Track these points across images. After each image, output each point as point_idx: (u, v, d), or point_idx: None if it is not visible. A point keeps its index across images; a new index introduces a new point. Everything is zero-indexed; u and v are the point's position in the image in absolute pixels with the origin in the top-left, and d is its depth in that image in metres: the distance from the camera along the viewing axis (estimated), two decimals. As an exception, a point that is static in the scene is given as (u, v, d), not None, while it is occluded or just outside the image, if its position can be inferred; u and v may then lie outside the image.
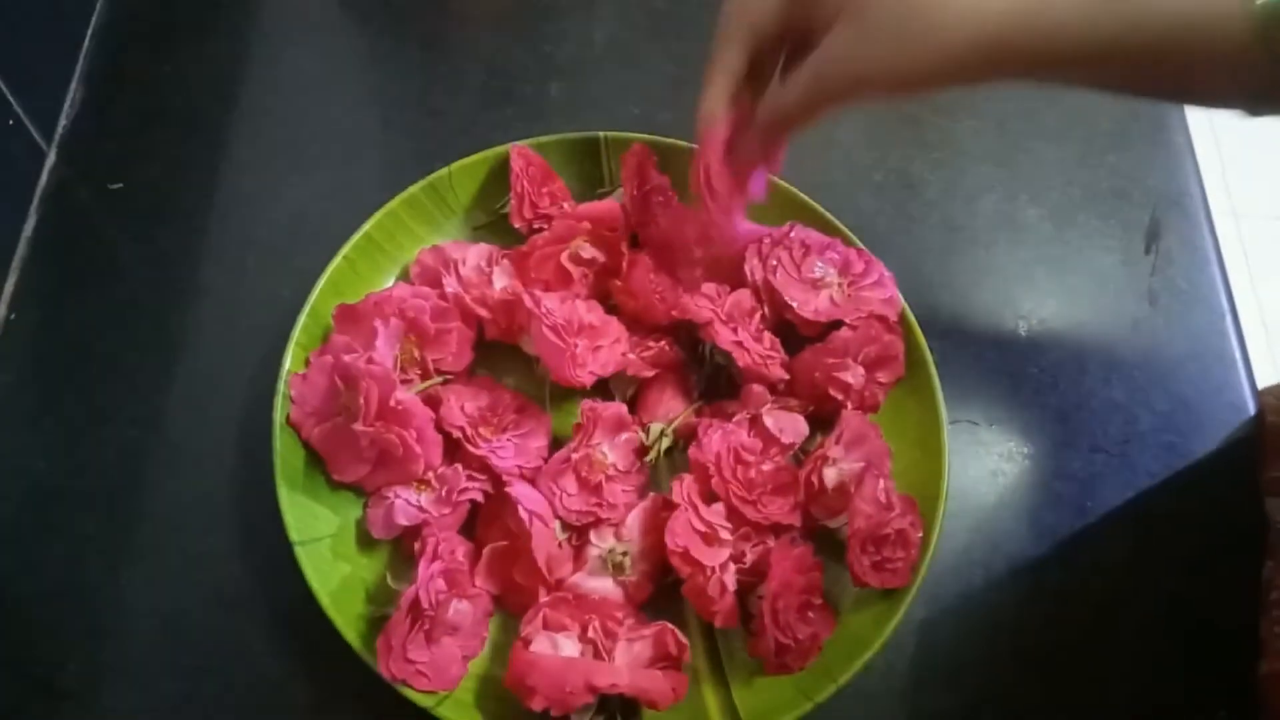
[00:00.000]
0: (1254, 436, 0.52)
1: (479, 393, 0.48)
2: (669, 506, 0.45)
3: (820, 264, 0.50)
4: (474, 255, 0.51)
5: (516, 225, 0.51)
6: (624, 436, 0.47)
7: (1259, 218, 1.61)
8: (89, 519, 0.48)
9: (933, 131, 0.61)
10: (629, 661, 0.42)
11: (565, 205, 0.52)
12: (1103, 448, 0.52)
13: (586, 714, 0.42)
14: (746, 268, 0.50)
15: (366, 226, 0.50)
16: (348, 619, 0.42)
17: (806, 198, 0.52)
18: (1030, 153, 0.60)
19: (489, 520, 0.46)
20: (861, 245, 0.51)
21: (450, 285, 0.49)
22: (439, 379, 0.48)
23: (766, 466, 0.46)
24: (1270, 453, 0.51)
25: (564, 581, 0.44)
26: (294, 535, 0.43)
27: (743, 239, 0.50)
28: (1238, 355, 0.55)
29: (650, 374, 0.49)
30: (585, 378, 0.47)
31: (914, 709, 0.46)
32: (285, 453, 0.45)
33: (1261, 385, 0.54)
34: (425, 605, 0.41)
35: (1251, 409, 0.53)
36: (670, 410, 0.49)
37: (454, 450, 0.46)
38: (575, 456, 0.45)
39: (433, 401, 0.47)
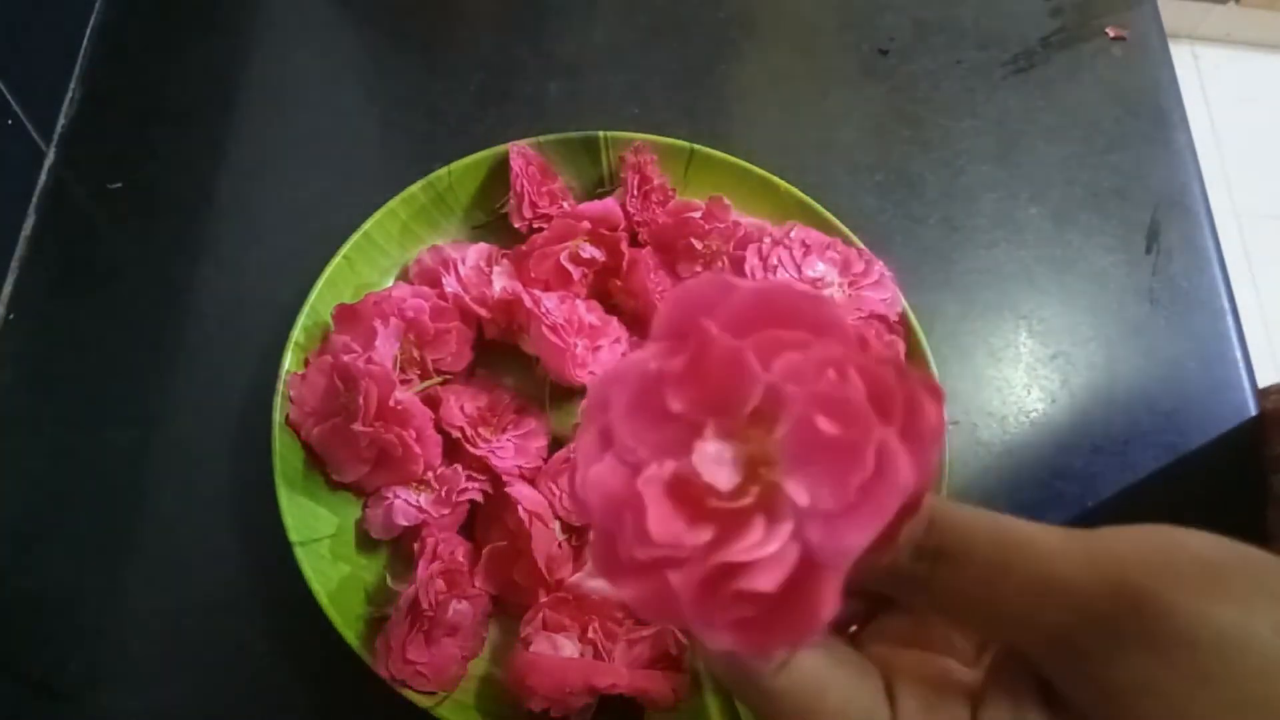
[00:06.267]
0: (1255, 422, 0.52)
1: (479, 393, 0.48)
2: (669, 507, 0.45)
3: (820, 264, 0.50)
4: (473, 255, 0.51)
5: (516, 225, 0.51)
6: (624, 436, 0.47)
7: (1260, 218, 1.61)
8: (89, 519, 0.48)
9: (933, 131, 0.61)
10: (629, 662, 0.42)
11: (565, 205, 0.52)
12: (1104, 447, 0.52)
13: (586, 715, 0.42)
14: (746, 267, 0.50)
15: (366, 226, 0.50)
16: (347, 619, 0.42)
17: (807, 198, 0.52)
18: (1030, 152, 0.60)
19: (489, 520, 0.46)
20: (861, 245, 0.51)
21: (450, 285, 0.49)
22: (438, 379, 0.48)
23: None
24: (1273, 429, 0.51)
25: (564, 582, 0.44)
26: (293, 536, 0.43)
27: None
28: (1239, 355, 0.55)
29: (650, 374, 0.49)
30: (585, 378, 0.47)
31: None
32: (284, 453, 0.45)
33: (1263, 385, 0.54)
34: (424, 606, 0.41)
35: (1253, 409, 0.53)
36: (670, 410, 0.49)
37: (454, 450, 0.46)
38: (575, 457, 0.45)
39: (432, 401, 0.47)
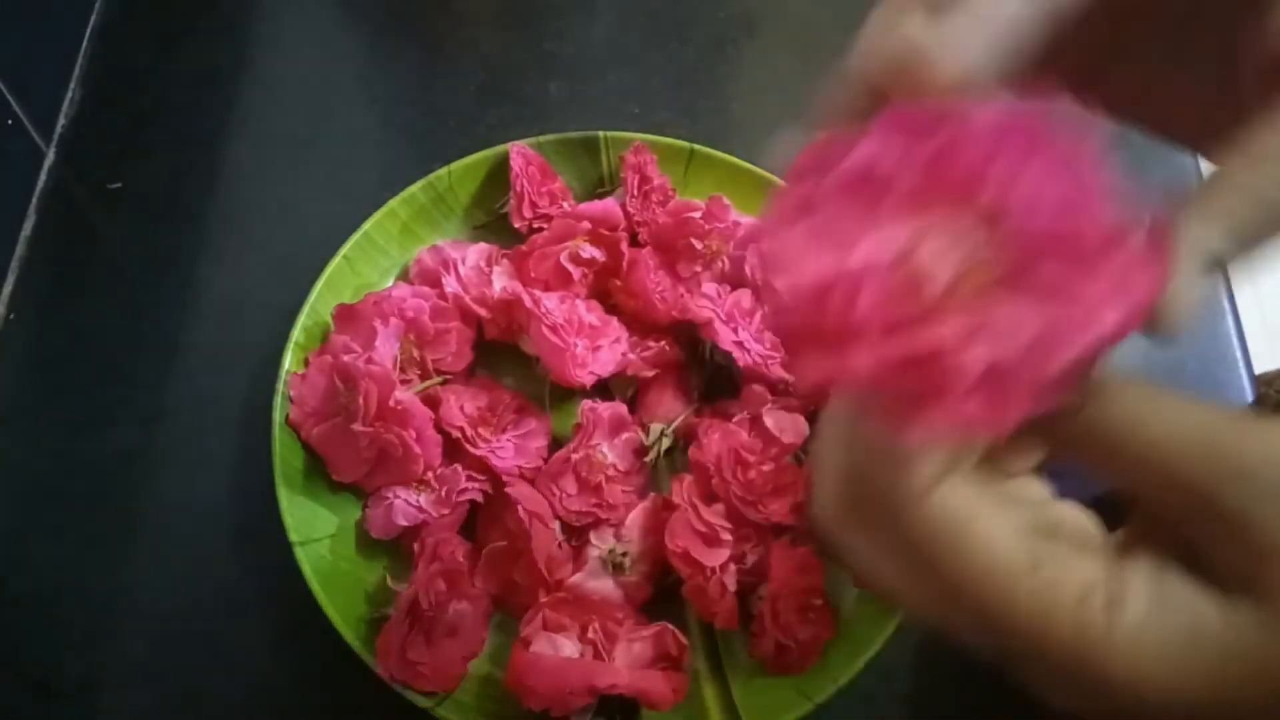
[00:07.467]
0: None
1: (479, 393, 0.48)
2: (669, 507, 0.45)
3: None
4: (473, 255, 0.51)
5: (516, 225, 0.51)
6: (624, 436, 0.47)
7: (1260, 217, 1.61)
8: (89, 519, 0.48)
9: (933, 131, 0.61)
10: (629, 662, 0.42)
11: (565, 205, 0.52)
12: (1104, 448, 0.52)
13: (586, 715, 0.42)
14: (746, 267, 0.50)
15: (366, 226, 0.50)
16: (347, 619, 0.42)
17: (807, 197, 0.52)
18: (1031, 152, 0.60)
19: (489, 521, 0.46)
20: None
21: (450, 285, 0.49)
22: (438, 379, 0.48)
23: (767, 467, 0.46)
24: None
25: (564, 582, 0.44)
26: (294, 536, 0.43)
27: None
28: (1239, 355, 0.55)
29: (650, 374, 0.49)
30: (585, 378, 0.47)
31: (916, 709, 0.46)
32: (285, 453, 0.45)
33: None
34: (424, 606, 0.41)
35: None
36: (670, 410, 0.49)
37: (454, 450, 0.46)
38: (575, 457, 0.45)
39: (432, 401, 0.47)
